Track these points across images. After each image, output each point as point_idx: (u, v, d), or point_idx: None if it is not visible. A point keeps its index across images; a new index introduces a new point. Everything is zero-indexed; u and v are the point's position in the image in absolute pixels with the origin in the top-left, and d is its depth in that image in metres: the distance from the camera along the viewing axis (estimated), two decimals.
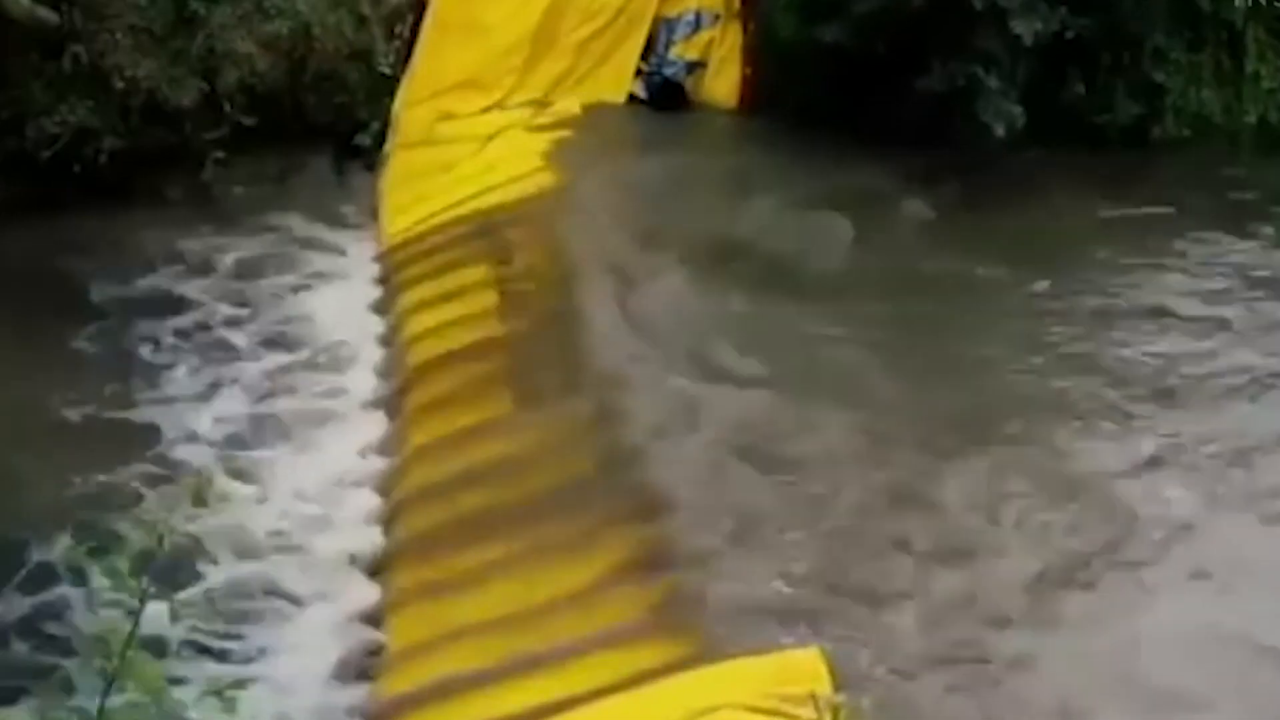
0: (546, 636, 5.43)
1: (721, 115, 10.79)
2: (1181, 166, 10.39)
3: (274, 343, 8.09)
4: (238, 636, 5.65)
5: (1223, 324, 8.05)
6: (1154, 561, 5.84)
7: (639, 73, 10.77)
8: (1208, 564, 5.82)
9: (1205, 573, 5.78)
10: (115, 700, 2.42)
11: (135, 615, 2.37)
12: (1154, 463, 6.52)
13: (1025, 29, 9.52)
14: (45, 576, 5.27)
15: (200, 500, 2.33)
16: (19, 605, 5.18)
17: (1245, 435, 6.78)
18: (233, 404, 7.47)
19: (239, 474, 6.73)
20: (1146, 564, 5.82)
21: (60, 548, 5.07)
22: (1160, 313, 8.17)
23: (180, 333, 8.12)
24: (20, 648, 4.93)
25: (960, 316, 8.07)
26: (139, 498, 6.23)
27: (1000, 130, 9.56)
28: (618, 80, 10.70)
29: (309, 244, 9.22)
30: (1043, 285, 8.46)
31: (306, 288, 8.73)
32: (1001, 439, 6.69)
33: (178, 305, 8.38)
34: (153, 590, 2.35)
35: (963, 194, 9.43)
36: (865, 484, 6.14)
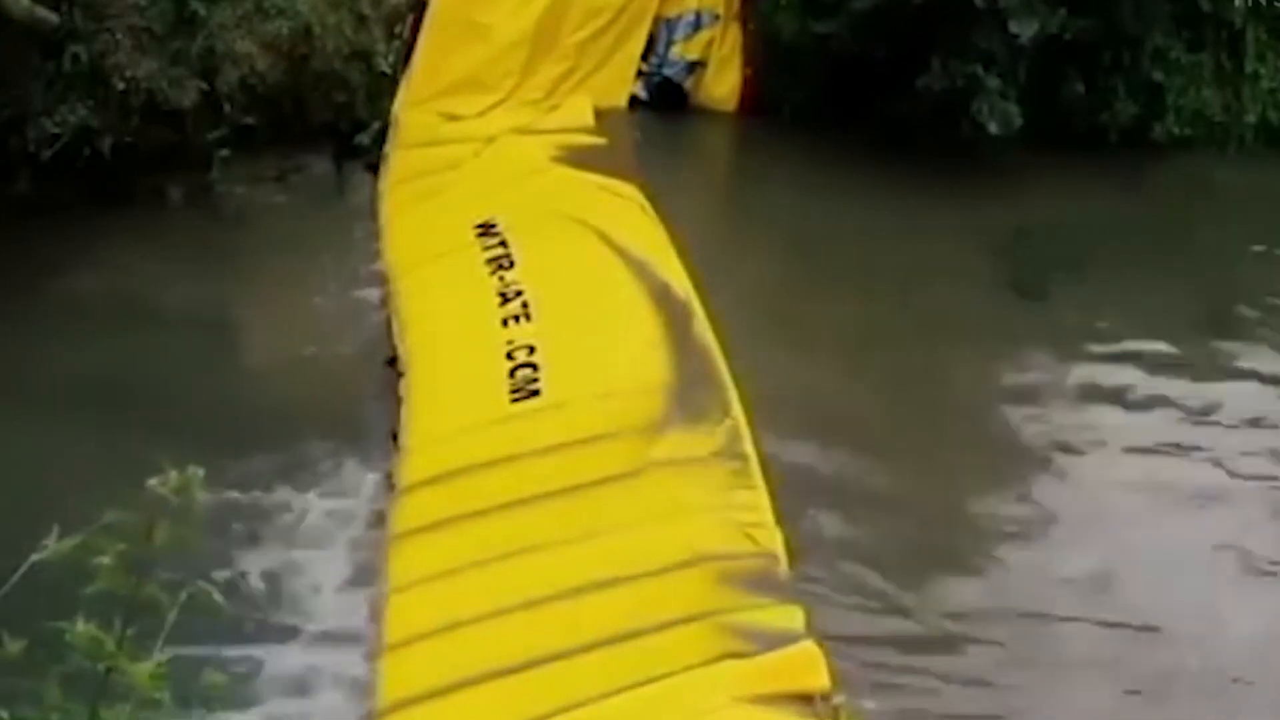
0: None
1: (721, 116, 10.78)
2: (1181, 166, 10.37)
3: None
4: None
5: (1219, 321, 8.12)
6: None
7: (639, 73, 10.76)
8: None
9: None
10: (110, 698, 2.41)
11: (127, 612, 2.37)
12: None
13: (1024, 30, 9.50)
14: (39, 572, 5.23)
15: (184, 494, 2.32)
16: (15, 602, 5.15)
17: None
18: None
19: None
20: None
21: (51, 542, 5.00)
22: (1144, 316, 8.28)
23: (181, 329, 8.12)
24: (13, 647, 4.86)
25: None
26: (131, 492, 6.20)
27: (996, 129, 9.55)
28: (619, 81, 10.68)
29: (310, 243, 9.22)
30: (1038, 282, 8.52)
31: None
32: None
33: (180, 304, 8.37)
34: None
35: (963, 193, 9.42)
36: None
